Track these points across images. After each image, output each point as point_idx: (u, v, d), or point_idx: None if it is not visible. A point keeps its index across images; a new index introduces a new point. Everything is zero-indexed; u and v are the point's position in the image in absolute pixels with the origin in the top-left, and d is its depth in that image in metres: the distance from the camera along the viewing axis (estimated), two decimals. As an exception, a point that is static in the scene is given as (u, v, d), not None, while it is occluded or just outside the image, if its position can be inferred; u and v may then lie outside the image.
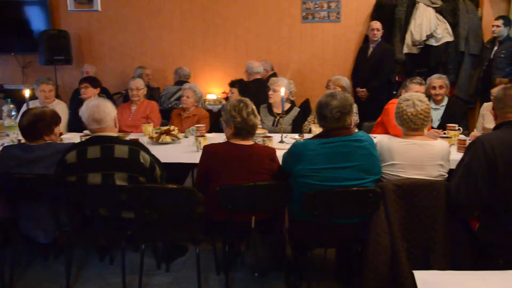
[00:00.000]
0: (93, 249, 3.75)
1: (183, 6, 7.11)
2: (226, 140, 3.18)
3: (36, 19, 7.24)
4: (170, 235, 3.25)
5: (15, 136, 4.01)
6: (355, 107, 4.19)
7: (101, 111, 3.04)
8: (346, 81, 4.74)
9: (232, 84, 4.82)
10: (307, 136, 4.06)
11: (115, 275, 3.42)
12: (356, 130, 3.04)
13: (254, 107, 3.11)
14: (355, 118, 4.49)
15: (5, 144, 3.65)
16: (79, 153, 3.00)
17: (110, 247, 3.66)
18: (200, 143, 3.70)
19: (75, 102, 5.75)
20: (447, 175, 2.95)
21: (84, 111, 3.07)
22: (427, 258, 2.78)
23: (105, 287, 3.32)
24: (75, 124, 4.75)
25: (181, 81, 6.28)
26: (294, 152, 2.95)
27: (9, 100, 4.51)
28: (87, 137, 3.62)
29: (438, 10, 6.44)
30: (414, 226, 2.79)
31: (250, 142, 3.07)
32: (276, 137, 3.96)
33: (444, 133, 3.82)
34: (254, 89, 5.19)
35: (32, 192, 3.12)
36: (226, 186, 2.86)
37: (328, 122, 2.89)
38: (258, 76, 5.97)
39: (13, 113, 4.28)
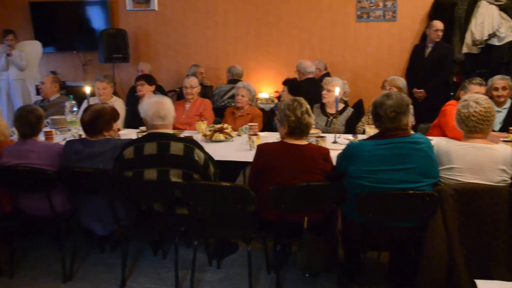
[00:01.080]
0: (147, 243, 3.84)
1: (238, 5, 7.15)
2: (280, 139, 3.18)
3: (96, 18, 7.50)
4: (222, 232, 3.28)
5: (76, 131, 4.17)
6: (411, 108, 4.08)
7: (165, 108, 3.12)
8: (402, 82, 4.63)
9: (285, 82, 4.81)
10: (361, 137, 4.00)
11: (168, 269, 3.50)
12: (413, 132, 2.97)
13: (308, 106, 3.09)
14: (411, 119, 4.38)
15: (68, 139, 3.80)
16: (136, 149, 3.08)
17: (163, 242, 3.74)
18: (253, 141, 3.71)
19: (131, 99, 5.91)
20: (510, 181, 2.82)
21: (147, 108, 3.14)
22: (487, 266, 2.67)
23: (158, 281, 3.39)
24: (131, 121, 4.89)
25: (234, 80, 6.33)
26: (348, 152, 2.92)
27: (71, 96, 4.69)
28: (144, 133, 3.72)
29: (502, 8, 6.17)
30: (473, 233, 2.70)
31: (304, 142, 3.05)
32: (330, 137, 3.92)
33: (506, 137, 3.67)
34: (306, 88, 5.15)
35: (91, 186, 3.23)
36: (279, 185, 2.86)
37: (383, 122, 2.84)
38: (311, 76, 5.93)
39: (75, 109, 4.45)
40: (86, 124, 3.26)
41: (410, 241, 2.88)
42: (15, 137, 3.72)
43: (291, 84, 4.72)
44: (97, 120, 3.24)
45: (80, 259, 3.64)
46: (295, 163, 2.95)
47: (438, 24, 5.99)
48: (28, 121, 3.37)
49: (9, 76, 6.80)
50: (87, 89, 4.37)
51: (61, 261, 3.38)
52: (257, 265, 3.44)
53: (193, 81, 5.09)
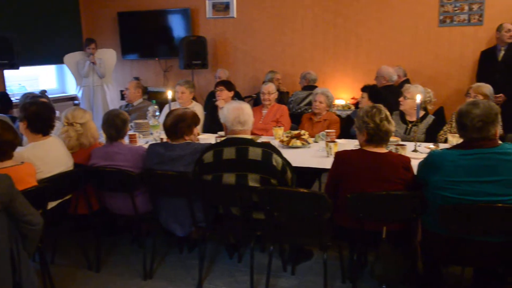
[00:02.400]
0: (223, 246, 3.91)
1: (316, 11, 7.14)
2: (358, 147, 3.13)
3: (178, 26, 7.78)
4: (297, 239, 3.28)
5: (158, 134, 4.33)
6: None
7: (245, 113, 3.17)
8: (489, 89, 4.40)
9: (364, 89, 4.72)
10: (442, 145, 3.85)
11: (243, 273, 3.54)
12: (501, 142, 2.81)
13: (388, 113, 3.02)
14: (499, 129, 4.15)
15: (150, 142, 3.96)
16: (216, 154, 3.16)
17: (239, 246, 3.79)
18: (330, 148, 3.68)
19: (209, 105, 6.06)
20: None
21: (227, 113, 3.21)
22: None
23: (234, 284, 3.44)
24: (209, 125, 5.01)
25: (309, 86, 6.32)
26: (431, 162, 2.82)
27: (154, 101, 4.89)
28: (222, 138, 3.80)
29: None
30: None
31: (384, 150, 2.98)
32: (409, 145, 3.80)
33: None
34: (385, 95, 5.04)
35: (171, 188, 3.34)
36: (357, 193, 2.81)
37: (468, 132, 2.71)
38: (391, 83, 5.80)
39: (157, 113, 4.63)
40: (168, 128, 3.38)
41: (497, 258, 2.72)
42: (102, 140, 3.93)
43: (371, 91, 4.64)
44: (179, 125, 3.35)
45: (160, 258, 3.77)
46: (374, 171, 2.89)
47: (509, 25, 5.76)
48: (114, 124, 3.55)
49: (90, 82, 7.21)
50: (169, 94, 4.54)
51: (142, 260, 3.53)
52: (332, 273, 3.40)
53: (270, 87, 5.13)
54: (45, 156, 3.25)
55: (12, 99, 6.47)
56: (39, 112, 3.38)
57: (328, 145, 3.73)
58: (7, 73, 6.80)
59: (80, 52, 7.37)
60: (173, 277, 3.54)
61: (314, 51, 7.27)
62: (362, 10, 6.94)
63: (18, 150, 3.10)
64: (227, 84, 5.22)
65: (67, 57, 7.27)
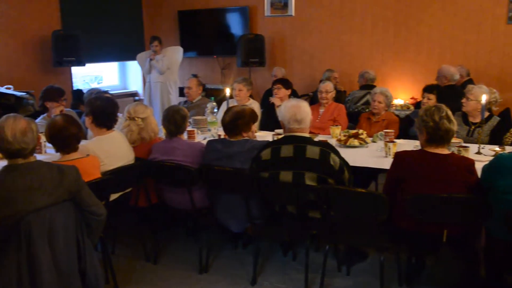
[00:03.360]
0: (277, 243, 3.92)
1: (375, 9, 7.01)
2: (419, 147, 3.05)
3: (236, 24, 7.86)
4: (354, 239, 3.24)
5: (216, 131, 4.40)
6: None
7: (302, 111, 3.16)
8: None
9: (429, 89, 4.58)
10: (508, 148, 3.69)
11: (297, 271, 3.53)
12: None
13: (449, 112, 2.90)
14: None
15: (207, 138, 4.02)
16: (274, 151, 3.17)
17: (294, 244, 3.79)
18: (389, 148, 3.61)
19: (266, 102, 6.08)
20: None
21: (284, 111, 3.21)
22: None
23: (288, 281, 3.44)
24: (266, 123, 5.03)
25: (367, 85, 6.21)
26: (497, 165, 2.71)
27: (212, 98, 4.96)
28: (279, 136, 3.80)
29: None
30: None
31: (446, 151, 2.89)
32: (472, 147, 3.66)
33: None
34: (448, 95, 4.88)
35: (229, 184, 3.38)
36: (418, 195, 2.74)
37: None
38: (453, 82, 5.61)
39: (216, 110, 4.70)
40: (227, 124, 3.42)
41: None
42: (162, 135, 4.03)
43: (438, 91, 4.49)
44: (237, 121, 3.39)
45: (215, 253, 3.82)
46: (435, 173, 2.80)
47: None
48: (174, 120, 3.63)
49: (151, 79, 7.39)
50: (227, 92, 4.59)
51: (198, 254, 3.59)
52: (388, 276, 3.32)
53: (328, 86, 5.09)
54: (109, 150, 3.38)
55: (77, 95, 6.79)
56: (104, 107, 3.52)
57: (387, 145, 3.66)
58: (74, 69, 7.09)
59: (150, 50, 7.56)
60: (227, 272, 3.58)
61: (373, 49, 7.14)
62: (424, 7, 6.74)
63: (84, 143, 3.24)
64: (285, 82, 5.22)
65: (139, 56, 7.51)
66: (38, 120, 4.29)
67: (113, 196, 3.33)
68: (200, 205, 3.56)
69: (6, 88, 5.51)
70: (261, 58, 7.36)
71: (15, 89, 5.59)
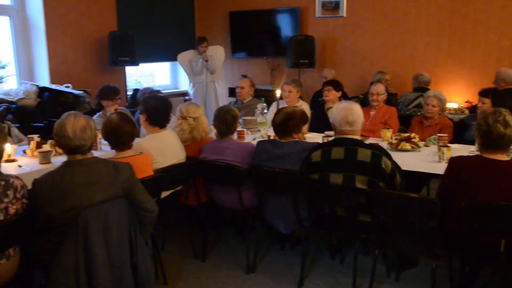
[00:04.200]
0: (325, 246, 3.89)
1: (430, 10, 6.83)
2: (474, 152, 2.95)
3: (286, 25, 7.85)
4: (404, 244, 3.18)
5: (265, 132, 4.41)
6: None
7: (354, 113, 3.13)
8: None
9: (484, 93, 4.43)
10: None
11: (344, 275, 3.49)
12: None
13: (508, 117, 2.78)
14: None
15: (257, 139, 4.04)
16: (324, 153, 3.15)
17: (342, 247, 3.75)
18: (443, 153, 3.51)
19: (315, 104, 6.05)
20: None
21: (336, 113, 3.19)
22: None
23: (335, 285, 3.41)
24: (315, 125, 5.00)
25: (420, 88, 6.06)
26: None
27: (263, 99, 4.99)
28: (329, 137, 3.78)
29: None
30: None
31: (505, 158, 2.78)
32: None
33: None
34: (506, 99, 4.69)
35: (278, 185, 3.39)
36: (474, 202, 2.65)
37: None
38: (511, 85, 5.40)
39: (266, 111, 4.71)
40: (278, 125, 3.42)
41: None
42: (212, 135, 4.08)
43: (494, 95, 4.33)
44: (288, 122, 3.39)
45: (262, 253, 3.83)
46: (492, 180, 2.71)
47: None
48: (225, 120, 3.67)
49: (204, 79, 7.50)
50: (277, 93, 4.60)
51: (246, 253, 3.62)
52: (439, 284, 3.24)
53: (379, 88, 5.01)
54: (161, 148, 3.46)
55: (128, 93, 6.99)
56: (158, 106, 3.60)
57: (440, 149, 3.56)
58: (128, 69, 7.29)
59: (191, 50, 7.70)
60: (274, 272, 3.58)
61: (427, 51, 6.96)
62: (482, 7, 6.51)
63: (138, 141, 3.32)
64: (335, 84, 5.17)
65: (180, 56, 7.64)
66: (94, 117, 4.44)
67: (164, 194, 3.40)
68: (249, 205, 3.58)
69: (66, 87, 5.74)
70: (311, 59, 7.32)
71: (73, 88, 5.81)
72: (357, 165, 3.03)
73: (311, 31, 7.64)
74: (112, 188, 2.53)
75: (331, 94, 5.04)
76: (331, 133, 3.92)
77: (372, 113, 5.00)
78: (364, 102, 6.16)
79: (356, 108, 3.19)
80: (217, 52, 7.65)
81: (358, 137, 3.18)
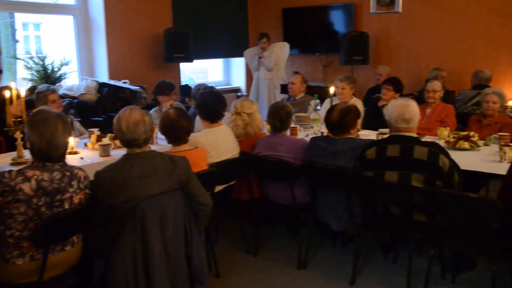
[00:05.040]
0: (377, 244, 3.83)
1: (491, 3, 6.57)
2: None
3: (340, 21, 7.77)
4: (462, 246, 3.09)
5: (318, 128, 4.39)
6: None
7: (410, 111, 3.07)
8: None
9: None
10: None
11: (397, 274, 3.44)
12: None
13: None
14: None
15: (310, 135, 4.04)
16: (379, 150, 3.10)
17: (395, 246, 3.69)
18: (505, 153, 3.38)
19: (369, 101, 5.96)
20: None
21: (392, 110, 3.13)
22: None
23: (388, 284, 3.36)
24: (369, 122, 4.94)
25: (479, 85, 5.85)
26: None
27: (316, 95, 4.96)
28: (384, 135, 3.72)
29: None
30: None
31: None
32: None
33: None
34: None
35: (331, 182, 3.37)
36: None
37: None
38: None
39: (319, 107, 4.69)
40: (335, 123, 3.38)
41: None
42: (265, 131, 4.11)
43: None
44: (346, 118, 3.36)
45: (314, 250, 3.82)
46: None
47: None
48: (279, 116, 3.69)
49: (259, 75, 7.54)
50: (331, 90, 4.57)
51: (297, 249, 3.62)
52: (499, 288, 3.14)
53: (436, 85, 4.88)
54: (216, 142, 3.51)
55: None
56: (208, 101, 3.66)
57: (502, 149, 3.43)
58: (182, 66, 7.43)
59: (257, 47, 7.73)
60: (326, 269, 3.57)
61: (487, 47, 6.70)
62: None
63: (193, 135, 3.39)
64: (396, 84, 5.03)
65: (246, 52, 7.71)
66: (150, 112, 4.56)
67: (218, 188, 3.45)
68: (301, 201, 3.59)
69: (123, 82, 5.92)
70: (364, 56, 7.21)
71: (130, 83, 5.98)
72: (413, 163, 2.96)
73: (365, 27, 7.52)
74: (169, 181, 2.60)
75: (389, 95, 4.94)
76: (386, 130, 3.87)
77: (428, 111, 4.87)
78: (420, 99, 6.00)
79: (412, 105, 3.12)
80: (281, 49, 7.61)
81: (414, 135, 3.11)
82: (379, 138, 3.86)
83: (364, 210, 3.27)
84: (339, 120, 3.36)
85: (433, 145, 3.03)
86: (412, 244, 3.15)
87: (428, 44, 7.13)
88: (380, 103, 5.20)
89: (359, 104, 5.02)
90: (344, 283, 3.39)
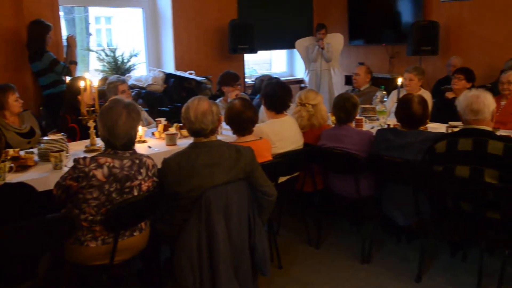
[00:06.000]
0: (445, 241, 3.70)
1: None
2: None
3: (408, 10, 7.52)
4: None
5: (384, 120, 4.28)
6: None
7: (480, 102, 2.91)
8: None
9: None
10: None
11: (467, 274, 3.31)
12: None
13: None
14: None
15: (375, 127, 3.95)
16: (450, 144, 2.98)
17: (464, 244, 3.54)
18: None
19: (437, 93, 5.74)
20: None
21: (462, 101, 3.00)
22: None
23: (456, 283, 3.24)
24: (437, 114, 4.75)
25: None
26: None
27: (383, 87, 4.83)
28: (454, 128, 3.58)
29: None
30: None
31: None
32: None
33: None
34: None
35: (398, 175, 3.28)
36: None
37: None
38: None
39: (385, 99, 4.57)
40: (418, 115, 3.25)
41: None
42: (329, 122, 4.06)
43: None
44: (426, 110, 3.26)
45: (377, 244, 3.74)
46: None
47: None
48: (344, 107, 3.62)
49: (318, 66, 7.45)
50: (399, 81, 4.45)
51: (361, 243, 3.56)
52: None
53: (511, 77, 4.61)
54: (281, 133, 3.51)
55: (247, 80, 7.16)
56: (275, 91, 3.66)
57: None
58: (246, 57, 7.47)
59: (309, 37, 7.68)
60: (390, 265, 3.49)
61: None
62: None
63: (257, 125, 3.40)
64: (468, 73, 4.83)
65: (298, 42, 7.66)
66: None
67: (281, 179, 3.45)
68: (366, 193, 3.52)
69: (189, 73, 6.03)
70: (434, 46, 6.92)
71: (195, 74, 6.09)
72: (487, 158, 2.82)
73: (435, 16, 7.22)
74: (234, 170, 2.63)
75: (461, 84, 4.75)
76: (457, 123, 3.72)
77: (503, 103, 4.62)
78: (494, 91, 5.70)
79: (484, 97, 2.95)
80: (336, 40, 7.54)
81: (489, 128, 2.96)
82: (449, 131, 3.72)
83: (432, 205, 3.16)
84: (423, 112, 3.25)
85: (509, 140, 2.86)
86: (483, 243, 3.01)
87: (503, 33, 6.75)
88: (450, 95, 4.99)
89: (427, 96, 4.84)
90: (409, 280, 3.29)
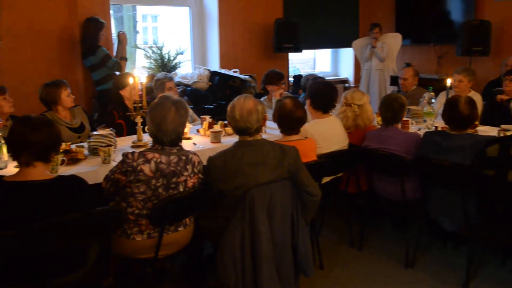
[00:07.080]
0: (492, 249, 3.58)
1: None
2: None
3: (458, 9, 7.31)
4: None
5: (431, 122, 4.18)
6: None
7: None
8: None
9: None
10: None
11: (516, 283, 3.20)
12: None
13: None
14: None
15: (422, 130, 3.86)
16: (502, 148, 2.88)
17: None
18: None
19: (488, 95, 5.56)
20: None
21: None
22: None
23: (505, 292, 3.14)
24: (488, 117, 4.61)
25: None
26: None
27: (430, 88, 4.72)
28: (506, 132, 3.46)
29: None
30: None
31: None
32: None
33: None
34: None
35: (446, 179, 3.19)
36: None
37: None
38: None
39: (433, 100, 4.46)
40: (466, 116, 3.15)
41: None
42: (375, 123, 4.00)
43: None
44: (474, 111, 3.17)
45: (422, 248, 3.66)
46: None
47: None
48: (392, 108, 3.55)
49: (371, 66, 7.34)
50: (448, 81, 4.33)
51: (405, 247, 3.49)
52: None
53: None
54: (326, 133, 3.48)
55: (290, 79, 7.14)
56: (322, 90, 3.64)
57: None
58: (290, 56, 7.45)
59: (366, 37, 7.55)
60: (435, 271, 3.41)
61: None
62: None
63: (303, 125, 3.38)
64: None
65: (355, 42, 7.59)
66: (260, 101, 4.63)
67: (325, 179, 3.42)
68: (411, 196, 3.43)
69: (234, 71, 6.07)
70: (485, 46, 6.69)
71: (240, 73, 6.12)
72: (542, 163, 2.72)
73: (487, 15, 6.99)
74: (278, 169, 2.63)
75: (511, 85, 4.57)
76: (510, 127, 3.60)
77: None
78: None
79: None
80: (393, 40, 7.38)
81: (544, 132, 2.85)
82: (501, 135, 3.59)
83: (481, 211, 3.06)
84: (471, 112, 3.15)
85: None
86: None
87: (559, 33, 6.48)
88: (502, 97, 4.83)
89: (477, 98, 4.69)
90: (455, 287, 3.20)
